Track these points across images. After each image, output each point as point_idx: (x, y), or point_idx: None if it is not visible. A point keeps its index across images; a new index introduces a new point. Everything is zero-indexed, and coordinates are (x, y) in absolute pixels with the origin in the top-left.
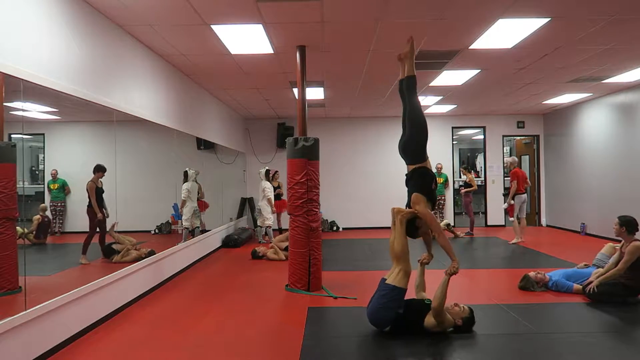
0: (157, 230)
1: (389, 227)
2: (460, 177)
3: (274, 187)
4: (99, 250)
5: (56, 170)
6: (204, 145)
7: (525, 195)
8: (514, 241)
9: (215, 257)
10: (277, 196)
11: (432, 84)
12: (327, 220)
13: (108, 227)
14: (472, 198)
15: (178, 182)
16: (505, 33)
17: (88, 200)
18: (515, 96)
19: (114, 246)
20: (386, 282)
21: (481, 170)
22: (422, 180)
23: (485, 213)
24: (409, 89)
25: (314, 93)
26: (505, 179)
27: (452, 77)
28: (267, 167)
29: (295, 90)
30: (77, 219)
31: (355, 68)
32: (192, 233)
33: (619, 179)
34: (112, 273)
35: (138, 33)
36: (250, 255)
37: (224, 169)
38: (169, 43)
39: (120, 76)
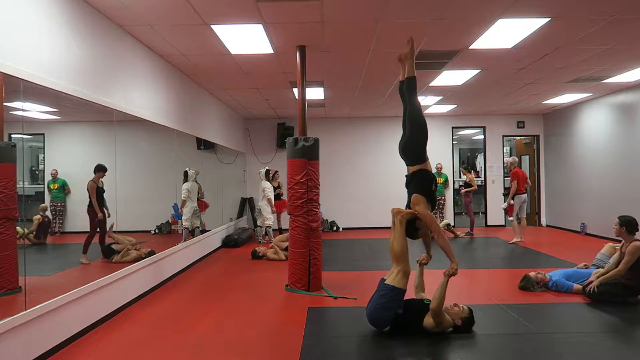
0: (157, 230)
1: (389, 227)
2: (460, 177)
3: (274, 187)
4: (99, 250)
5: (56, 170)
6: (204, 145)
7: (525, 195)
8: (513, 240)
9: (215, 257)
10: (277, 196)
11: (432, 84)
12: (327, 220)
13: (108, 227)
14: (472, 198)
15: (178, 182)
16: (505, 33)
17: (88, 200)
18: (515, 96)
19: (113, 246)
20: (385, 282)
21: (481, 170)
22: (422, 182)
23: (485, 213)
24: (409, 90)
25: (314, 93)
26: (506, 179)
27: (452, 77)
28: (267, 167)
29: (295, 90)
30: (77, 219)
31: (355, 68)
32: (192, 233)
33: (619, 179)
34: (112, 273)
35: (138, 33)
36: (250, 255)
37: (224, 169)
38: (169, 43)
39: (120, 76)
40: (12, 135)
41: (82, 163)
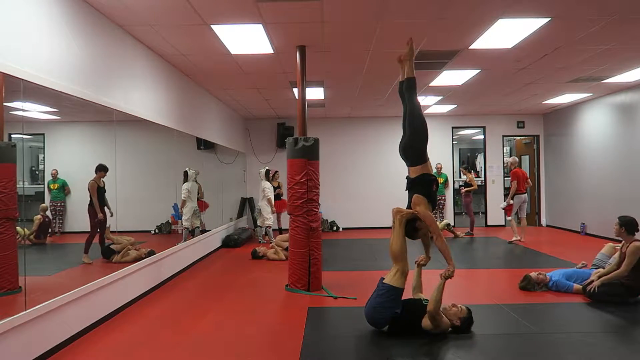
0: (157, 230)
1: (389, 227)
2: (460, 177)
3: (274, 187)
4: (99, 250)
5: (56, 170)
6: (204, 145)
7: (525, 195)
8: (512, 240)
9: (215, 257)
10: (277, 196)
11: (432, 84)
12: (327, 220)
13: (111, 226)
14: (472, 198)
15: (178, 182)
16: (505, 33)
17: (89, 199)
18: (515, 96)
19: (112, 246)
20: (384, 282)
21: (481, 170)
22: (423, 186)
23: (485, 213)
24: (409, 91)
25: (314, 93)
26: (506, 179)
27: (452, 77)
28: (267, 167)
29: (295, 90)
30: (77, 219)
31: (355, 68)
32: (192, 233)
33: (619, 179)
34: (112, 273)
35: (138, 33)
36: (250, 255)
37: (224, 169)
38: (169, 43)
39: (120, 76)
40: (12, 135)
41: (82, 163)
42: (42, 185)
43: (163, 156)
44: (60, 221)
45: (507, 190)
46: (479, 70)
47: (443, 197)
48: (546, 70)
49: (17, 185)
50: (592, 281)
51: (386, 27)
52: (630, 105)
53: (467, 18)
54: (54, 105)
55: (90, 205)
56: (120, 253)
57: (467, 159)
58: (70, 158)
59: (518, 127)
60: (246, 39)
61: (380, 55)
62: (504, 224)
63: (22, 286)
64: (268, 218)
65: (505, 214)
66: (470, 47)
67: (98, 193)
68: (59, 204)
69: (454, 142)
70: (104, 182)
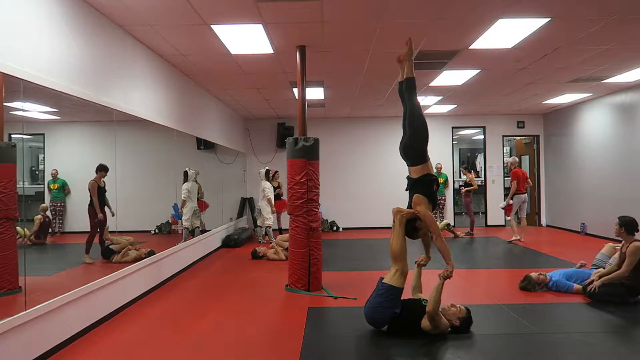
0: (157, 230)
1: (389, 227)
2: (460, 177)
3: (274, 187)
4: (99, 250)
5: (56, 170)
6: (204, 145)
7: (525, 195)
8: (512, 239)
9: (215, 257)
10: (277, 196)
11: (432, 84)
12: (327, 220)
13: (110, 226)
14: (472, 198)
15: (178, 182)
16: (505, 33)
17: (89, 199)
18: (515, 96)
19: (111, 246)
20: (383, 281)
21: (481, 170)
22: (424, 186)
23: (485, 213)
24: (408, 91)
25: (314, 93)
26: (506, 179)
27: (452, 77)
28: (267, 167)
29: (295, 90)
30: (77, 219)
31: (355, 68)
32: (192, 233)
33: (619, 179)
34: (112, 273)
35: (138, 33)
36: (251, 255)
37: (224, 169)
38: (169, 43)
39: (120, 76)
40: (12, 135)
41: (82, 163)
42: (42, 185)
43: (163, 156)
44: (60, 221)
45: (507, 190)
46: (479, 70)
47: (443, 197)
48: (546, 70)
49: (17, 185)
50: (593, 281)
51: (386, 27)
52: (630, 105)
53: (467, 18)
54: (54, 105)
55: (91, 205)
56: (120, 253)
57: (467, 159)
58: (70, 158)
59: (518, 127)
60: (246, 39)
61: (380, 55)
62: (503, 224)
63: (22, 286)
64: (268, 218)
65: (505, 213)
66: (470, 47)
67: (98, 193)
68: (58, 204)
69: (454, 142)
70: (104, 182)
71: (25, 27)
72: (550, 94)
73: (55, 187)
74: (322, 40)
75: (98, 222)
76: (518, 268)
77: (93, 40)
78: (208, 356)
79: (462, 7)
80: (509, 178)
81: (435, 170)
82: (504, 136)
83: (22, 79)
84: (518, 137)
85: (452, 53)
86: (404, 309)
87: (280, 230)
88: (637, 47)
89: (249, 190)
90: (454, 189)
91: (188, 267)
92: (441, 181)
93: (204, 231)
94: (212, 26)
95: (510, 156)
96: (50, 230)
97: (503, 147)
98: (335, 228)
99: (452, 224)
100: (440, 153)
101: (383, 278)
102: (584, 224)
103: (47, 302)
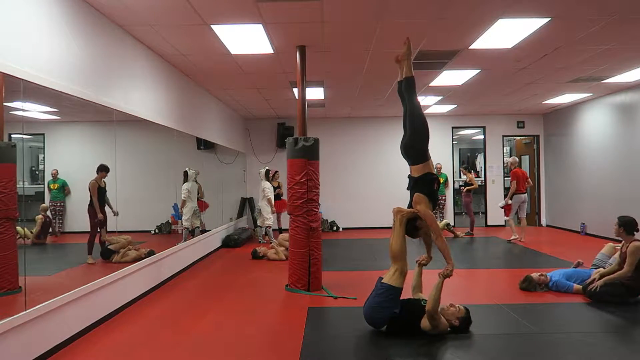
0: (157, 230)
1: (389, 227)
2: (460, 177)
3: (274, 187)
4: (99, 250)
5: (57, 170)
6: (204, 145)
7: (525, 195)
8: (511, 239)
9: (215, 257)
10: (277, 196)
11: (432, 84)
12: (327, 220)
13: (110, 226)
14: (472, 198)
15: (178, 182)
16: (505, 33)
17: (89, 199)
18: (515, 96)
19: (110, 246)
20: (382, 281)
21: (481, 170)
22: (424, 185)
23: (485, 213)
24: (408, 90)
25: (314, 93)
26: (506, 179)
27: (452, 77)
28: (267, 167)
29: (295, 90)
30: (77, 219)
31: (355, 68)
32: (192, 233)
33: (619, 179)
34: (112, 273)
35: (138, 33)
36: (251, 255)
37: (224, 169)
38: (169, 43)
39: (120, 76)
40: (12, 135)
41: (82, 163)
42: (42, 185)
43: (163, 156)
44: (60, 221)
45: (507, 190)
46: (479, 70)
47: (443, 197)
48: (546, 70)
49: (17, 185)
50: (594, 280)
51: (386, 27)
52: (630, 105)
53: (467, 18)
54: (54, 105)
55: (91, 205)
56: (119, 253)
57: (467, 159)
58: (70, 158)
59: (518, 127)
60: (246, 39)
61: (380, 55)
62: (503, 224)
63: (22, 286)
64: (268, 218)
65: (504, 213)
66: (470, 47)
67: (98, 193)
68: (58, 204)
69: (454, 142)
70: (104, 182)
71: (25, 27)
72: (550, 94)
73: (55, 187)
74: (322, 40)
75: (98, 222)
76: (518, 268)
77: (93, 40)
78: (208, 356)
79: (462, 7)
80: (509, 178)
81: (435, 171)
82: (504, 136)
83: (22, 79)
84: (518, 137)
85: (452, 53)
86: (403, 309)
87: (280, 230)
88: (637, 47)
89: (249, 190)
90: (454, 189)
91: (188, 267)
92: (441, 181)
93: (204, 231)
94: (212, 26)
95: (510, 156)
96: (50, 230)
97: (503, 147)
98: (335, 228)
99: (452, 223)
100: (440, 153)
101: (382, 278)
102: (584, 224)
103: (47, 302)
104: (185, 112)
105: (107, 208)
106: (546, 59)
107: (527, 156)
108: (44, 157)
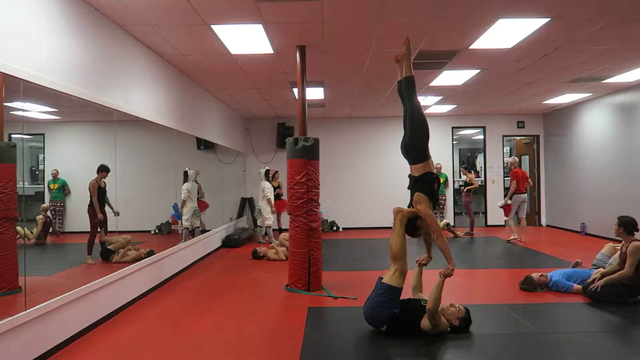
0: (157, 230)
1: (389, 227)
2: (460, 177)
3: (274, 187)
4: (99, 250)
5: (57, 170)
6: (204, 145)
7: (525, 195)
8: (510, 238)
9: (215, 257)
10: (277, 196)
11: (432, 84)
12: (327, 220)
13: (108, 227)
14: (472, 198)
15: (178, 182)
16: (505, 33)
17: (89, 199)
18: (515, 96)
19: (109, 247)
20: (382, 281)
21: (481, 170)
22: (425, 184)
23: (485, 213)
24: (408, 90)
25: (314, 93)
26: (506, 179)
27: (452, 77)
28: (267, 167)
29: (295, 90)
30: (77, 219)
31: (355, 68)
32: (192, 233)
33: (619, 179)
34: (112, 273)
35: (138, 33)
36: (251, 255)
37: (224, 169)
38: (169, 43)
39: (120, 76)
40: (12, 135)
41: (82, 163)
42: (42, 185)
43: (163, 156)
44: (60, 221)
45: (507, 190)
46: (479, 70)
47: (443, 197)
48: (546, 70)
49: (17, 185)
50: (594, 280)
51: (386, 27)
52: (630, 105)
53: (467, 18)
54: (54, 105)
55: (91, 205)
56: (119, 253)
57: (467, 159)
58: (70, 158)
59: (518, 127)
60: (246, 39)
61: (380, 55)
62: (503, 224)
63: (22, 286)
64: (268, 218)
65: (504, 213)
66: (470, 47)
67: (98, 193)
68: (58, 204)
69: (454, 142)
70: (104, 182)
71: (25, 27)
72: (550, 94)
73: (55, 187)
74: (322, 40)
75: (98, 222)
76: (518, 268)
77: (93, 40)
78: (208, 356)
79: (462, 7)
80: (509, 178)
81: (435, 171)
82: (504, 136)
83: (22, 79)
84: (518, 137)
85: (452, 53)
86: (403, 309)
87: (280, 230)
88: (637, 47)
89: (249, 190)
90: (454, 189)
91: (188, 267)
92: (441, 181)
93: (204, 231)
94: (212, 26)
95: (510, 156)
96: (51, 230)
97: (503, 147)
98: (335, 228)
99: (452, 223)
100: (440, 153)
101: (382, 277)
102: (584, 224)
103: (47, 302)
104: (185, 112)
105: (107, 208)
106: (546, 59)
107: (527, 156)
108: (44, 157)
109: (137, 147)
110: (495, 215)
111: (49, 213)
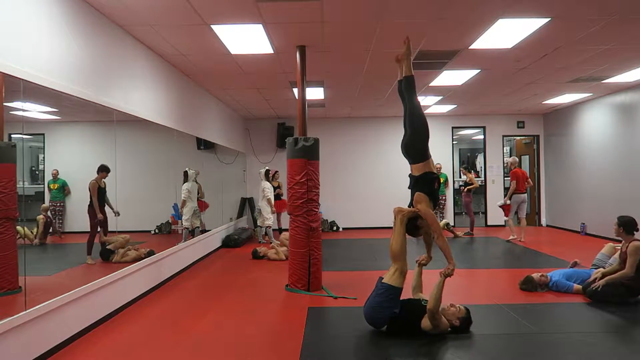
0: (157, 230)
1: (389, 227)
2: (460, 177)
3: (274, 187)
4: (98, 250)
5: (57, 170)
6: (204, 145)
7: (524, 195)
8: (510, 238)
9: (215, 257)
10: (277, 196)
11: (432, 84)
12: (327, 220)
13: (110, 226)
14: (472, 198)
15: (178, 182)
16: (505, 33)
17: (89, 199)
18: (515, 96)
19: (108, 247)
20: (382, 281)
21: (481, 170)
22: (425, 184)
23: (485, 213)
24: (408, 89)
25: (314, 93)
26: (506, 179)
27: (452, 77)
28: (267, 167)
29: (295, 90)
30: (77, 219)
31: (355, 68)
32: (192, 233)
33: (619, 179)
34: (112, 273)
35: (138, 33)
36: (251, 255)
37: (224, 169)
38: (169, 43)
39: (120, 76)
40: (12, 135)
41: (82, 163)
42: (42, 185)
43: (163, 156)
44: (60, 221)
45: (507, 190)
46: (479, 70)
47: (443, 197)
48: (546, 70)
49: (17, 185)
50: (595, 280)
51: (386, 27)
52: (630, 105)
53: (467, 18)
54: (54, 105)
55: (90, 205)
56: (118, 253)
57: (467, 159)
58: (70, 158)
59: (518, 127)
60: (246, 39)
61: (380, 55)
62: (503, 224)
63: (22, 286)
64: (268, 218)
65: (504, 213)
66: (470, 47)
67: (98, 193)
68: (58, 204)
69: (454, 142)
70: (104, 182)
71: (25, 27)
72: (550, 94)
73: (55, 187)
74: (322, 40)
75: (98, 222)
76: (518, 268)
77: (93, 40)
78: (208, 356)
79: (462, 7)
80: (509, 178)
81: (435, 170)
82: (504, 136)
83: (22, 79)
84: (518, 137)
85: (452, 53)
86: (403, 309)
87: (280, 230)
88: (637, 47)
89: (249, 190)
90: (454, 189)
91: (188, 267)
92: (441, 181)
93: (204, 231)
94: (212, 26)
95: (510, 156)
96: (51, 230)
97: (503, 147)
98: (335, 228)
99: (452, 223)
100: (440, 153)
101: (382, 278)
102: (584, 224)
103: (46, 302)
104: (185, 112)
105: (107, 208)
106: (546, 59)
107: (527, 156)
108: (44, 157)
109: (137, 147)
110: (495, 215)
111: (48, 213)
